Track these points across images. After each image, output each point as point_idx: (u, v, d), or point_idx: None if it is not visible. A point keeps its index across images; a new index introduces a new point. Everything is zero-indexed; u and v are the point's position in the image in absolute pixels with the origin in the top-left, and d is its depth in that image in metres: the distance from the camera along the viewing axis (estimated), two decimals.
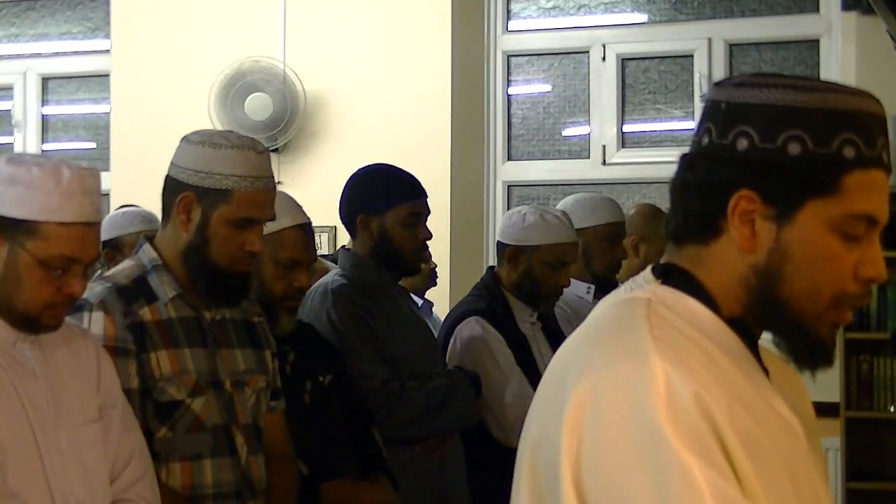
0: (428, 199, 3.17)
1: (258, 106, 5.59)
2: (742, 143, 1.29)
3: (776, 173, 1.27)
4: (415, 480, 3.01)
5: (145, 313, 2.32)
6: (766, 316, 1.32)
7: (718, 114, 1.32)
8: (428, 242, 3.18)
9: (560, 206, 3.86)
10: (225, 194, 2.31)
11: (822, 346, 1.32)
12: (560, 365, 1.32)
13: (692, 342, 1.27)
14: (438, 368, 3.16)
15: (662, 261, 1.38)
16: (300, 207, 2.74)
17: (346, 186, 3.17)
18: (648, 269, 1.38)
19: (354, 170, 3.24)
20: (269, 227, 2.48)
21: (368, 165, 3.24)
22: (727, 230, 1.31)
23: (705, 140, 1.33)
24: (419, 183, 3.16)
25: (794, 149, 1.27)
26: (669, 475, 1.16)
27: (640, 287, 1.36)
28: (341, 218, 3.17)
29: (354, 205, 3.12)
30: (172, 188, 2.37)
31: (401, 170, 3.20)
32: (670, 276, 1.34)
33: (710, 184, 1.31)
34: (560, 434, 1.22)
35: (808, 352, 1.32)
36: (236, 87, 5.60)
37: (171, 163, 2.38)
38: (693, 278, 1.33)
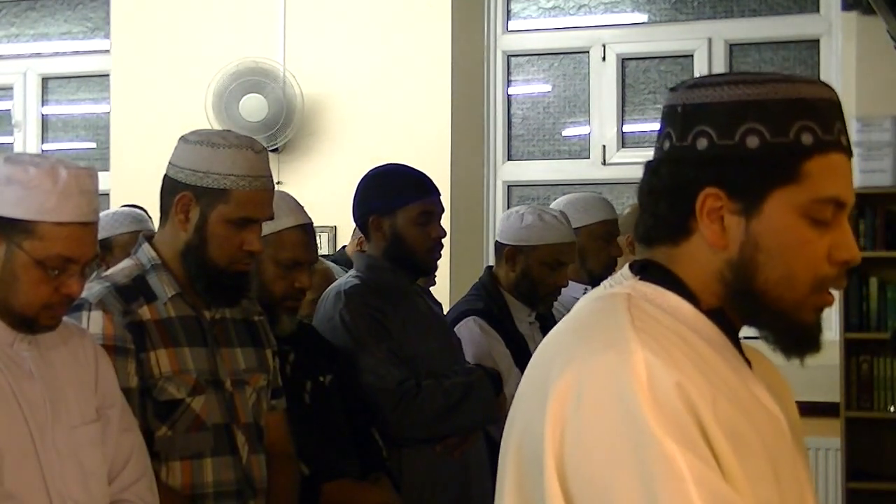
0: (441, 197, 3.12)
1: (254, 107, 5.59)
2: (702, 143, 1.31)
3: (738, 168, 1.29)
4: (436, 480, 3.00)
5: (144, 312, 2.32)
6: (746, 308, 1.33)
7: (676, 117, 1.34)
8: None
9: (552, 206, 3.85)
10: (223, 194, 2.31)
11: (807, 331, 1.33)
12: (542, 358, 1.34)
13: (675, 333, 1.28)
14: (458, 367, 3.12)
15: (637, 258, 1.40)
16: (301, 208, 2.73)
17: (356, 189, 3.13)
18: (626, 266, 1.40)
19: (355, 169, 3.23)
20: (270, 228, 2.48)
21: (378, 166, 3.20)
22: (697, 229, 1.32)
23: (666, 145, 1.35)
24: (429, 180, 3.12)
25: (752, 142, 1.29)
26: (652, 463, 1.17)
27: (619, 283, 1.37)
28: (355, 220, 3.14)
29: (365, 207, 3.09)
30: (170, 188, 2.36)
31: (410, 168, 3.16)
32: (648, 271, 1.36)
33: (675, 186, 1.33)
34: (544, 424, 1.23)
35: (792, 339, 1.33)
36: (231, 88, 5.59)
37: (170, 162, 2.38)
38: (671, 273, 1.34)
